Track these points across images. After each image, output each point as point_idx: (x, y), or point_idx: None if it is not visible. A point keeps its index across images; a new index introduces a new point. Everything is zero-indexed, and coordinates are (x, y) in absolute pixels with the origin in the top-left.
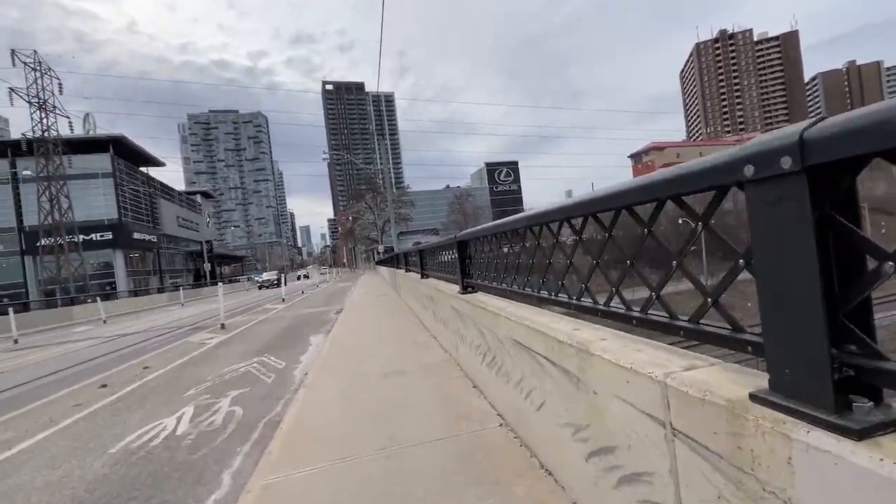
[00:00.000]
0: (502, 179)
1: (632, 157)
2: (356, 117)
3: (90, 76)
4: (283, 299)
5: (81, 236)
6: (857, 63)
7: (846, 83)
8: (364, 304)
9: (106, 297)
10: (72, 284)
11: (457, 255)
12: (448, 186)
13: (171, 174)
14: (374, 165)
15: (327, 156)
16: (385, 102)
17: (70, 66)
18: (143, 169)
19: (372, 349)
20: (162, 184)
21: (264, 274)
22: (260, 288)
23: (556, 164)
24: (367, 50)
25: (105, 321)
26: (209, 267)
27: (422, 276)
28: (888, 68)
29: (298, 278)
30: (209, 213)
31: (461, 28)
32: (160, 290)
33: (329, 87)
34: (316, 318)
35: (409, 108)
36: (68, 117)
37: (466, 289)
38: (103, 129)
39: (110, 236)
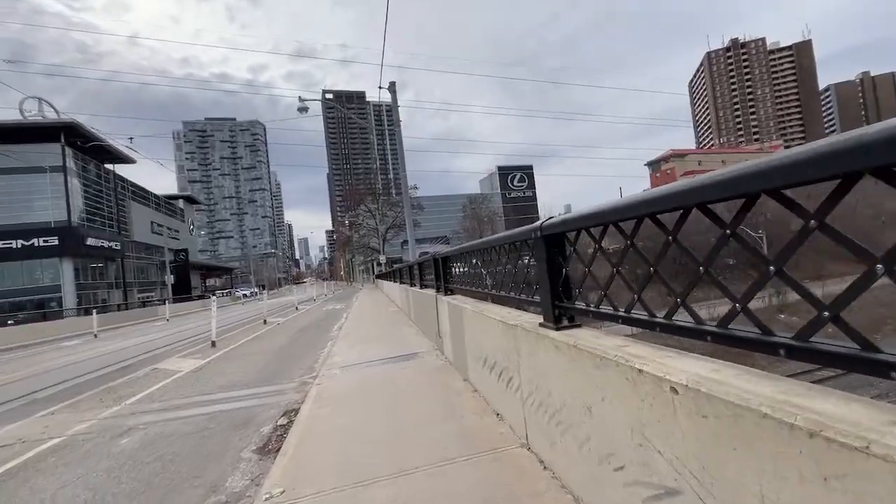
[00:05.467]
0: (516, 185)
1: (649, 164)
2: (356, 127)
3: (92, 85)
4: (214, 343)
5: (21, 241)
6: (872, 74)
7: (861, 94)
8: (364, 403)
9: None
10: None
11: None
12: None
13: (164, 181)
14: (374, 171)
15: (304, 104)
16: (386, 111)
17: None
18: (108, 166)
19: None
20: (134, 185)
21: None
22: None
23: (571, 171)
24: (369, 68)
25: None
26: (172, 279)
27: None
28: None
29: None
30: (192, 220)
31: (467, 41)
32: (125, 307)
33: (329, 95)
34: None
35: (410, 121)
36: None
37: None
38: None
39: (56, 242)
